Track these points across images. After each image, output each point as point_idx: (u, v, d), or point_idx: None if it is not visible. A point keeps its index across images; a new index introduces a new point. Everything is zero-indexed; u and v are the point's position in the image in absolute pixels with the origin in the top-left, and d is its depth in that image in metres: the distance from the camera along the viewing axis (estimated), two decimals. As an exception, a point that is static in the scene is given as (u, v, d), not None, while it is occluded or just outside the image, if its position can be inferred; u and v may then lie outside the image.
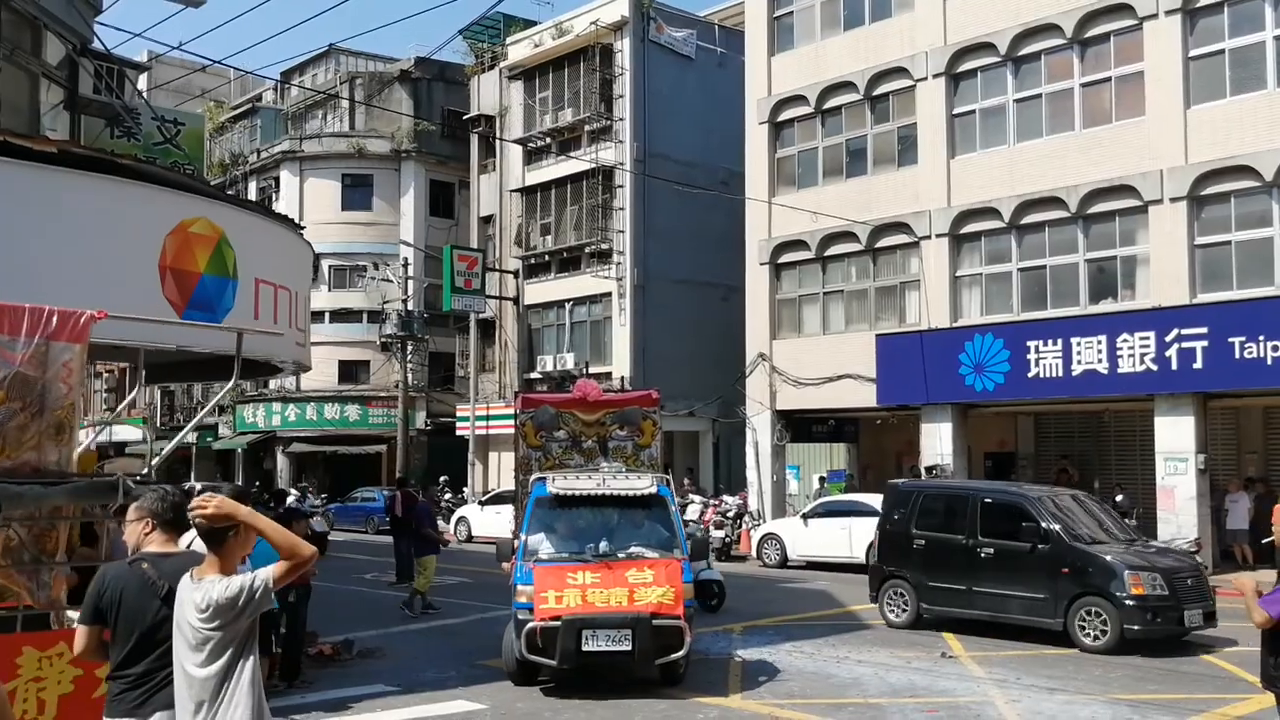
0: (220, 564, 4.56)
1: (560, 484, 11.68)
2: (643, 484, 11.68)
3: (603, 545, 11.25)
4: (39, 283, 9.54)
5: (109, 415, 50.24)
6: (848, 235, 26.30)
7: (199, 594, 4.46)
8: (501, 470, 34.72)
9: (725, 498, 28.39)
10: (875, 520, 21.77)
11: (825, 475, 28.16)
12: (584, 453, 13.32)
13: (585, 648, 10.41)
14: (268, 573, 4.49)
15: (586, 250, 34.07)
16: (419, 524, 17.36)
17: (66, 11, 13.02)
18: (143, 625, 4.77)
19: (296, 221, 13.61)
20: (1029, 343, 22.56)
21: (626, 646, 10.43)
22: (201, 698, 4.47)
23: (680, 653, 10.59)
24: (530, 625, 10.51)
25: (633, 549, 11.28)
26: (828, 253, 26.96)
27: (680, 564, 10.98)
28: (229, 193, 18.91)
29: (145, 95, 16.31)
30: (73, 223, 9.62)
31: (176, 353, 11.88)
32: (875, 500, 22.86)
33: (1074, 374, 21.89)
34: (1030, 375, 22.51)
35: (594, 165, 32.84)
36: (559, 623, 10.41)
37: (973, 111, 24.57)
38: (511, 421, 37.98)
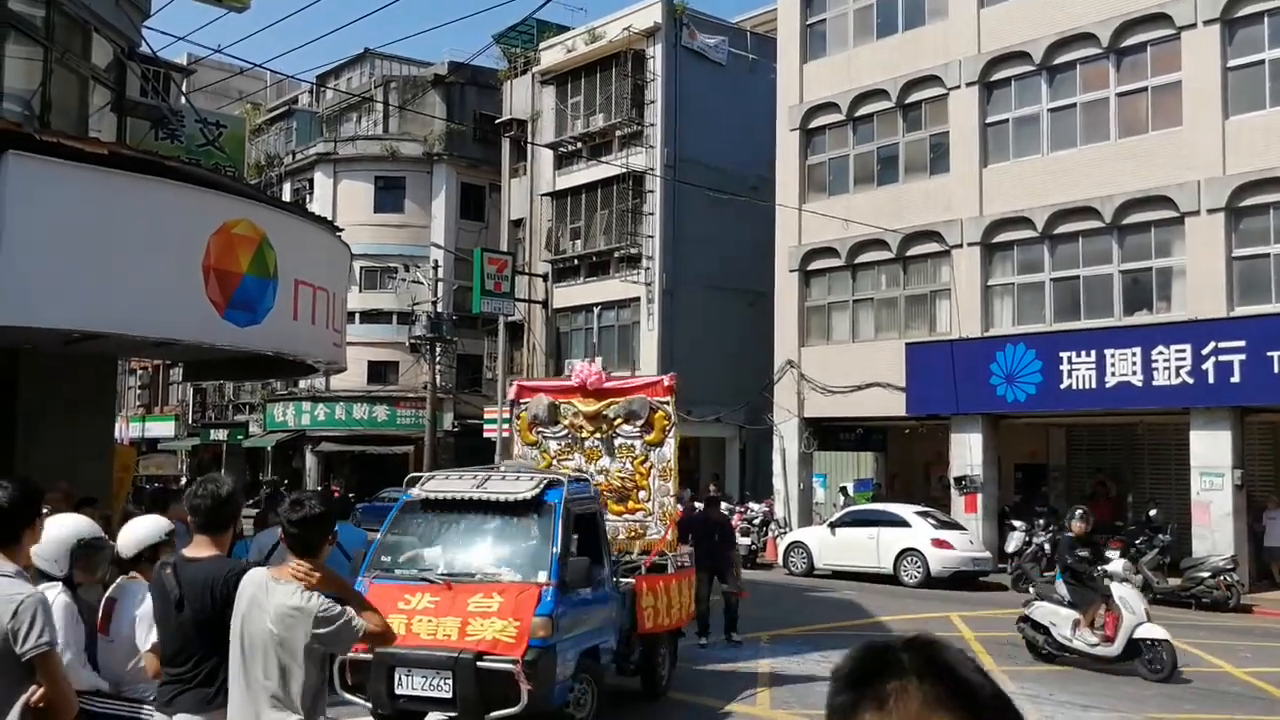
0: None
1: (431, 485, 9.58)
2: (522, 487, 9.23)
3: (456, 562, 9.07)
4: (87, 281, 9.68)
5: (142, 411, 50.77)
6: (878, 243, 26.26)
7: (288, 597, 4.43)
8: (528, 473, 34.77)
9: (751, 505, 28.40)
10: (903, 530, 21.93)
11: (847, 485, 28.12)
12: (585, 452, 11.50)
13: (398, 690, 8.33)
14: (363, 623, 4.52)
15: (616, 255, 34.15)
16: None
17: (115, 15, 13.21)
18: (167, 629, 4.86)
19: (335, 224, 13.73)
20: (1062, 354, 22.45)
21: (446, 694, 8.21)
22: (259, 708, 4.46)
23: (515, 709, 8.06)
24: (341, 658, 8.15)
25: (490, 569, 9.02)
26: (858, 260, 26.94)
27: (539, 591, 8.58)
28: (264, 194, 19.03)
29: (188, 98, 16.49)
30: (121, 223, 9.76)
31: (214, 351, 12.04)
32: (903, 510, 22.88)
33: (1107, 386, 21.76)
34: (1063, 386, 22.39)
35: (624, 170, 32.92)
36: (370, 656, 8.23)
37: (1006, 120, 24.49)
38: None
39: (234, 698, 4.53)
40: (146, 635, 5.21)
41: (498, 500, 9.20)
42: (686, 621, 11.65)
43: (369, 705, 8.53)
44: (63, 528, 5.26)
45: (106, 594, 5.48)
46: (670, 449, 11.35)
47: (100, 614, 5.42)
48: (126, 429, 46.04)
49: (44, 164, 9.32)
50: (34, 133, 9.62)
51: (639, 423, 11.24)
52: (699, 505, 18.17)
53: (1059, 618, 12.87)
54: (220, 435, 47.19)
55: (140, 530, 5.64)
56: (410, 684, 8.28)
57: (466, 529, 9.38)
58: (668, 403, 11.39)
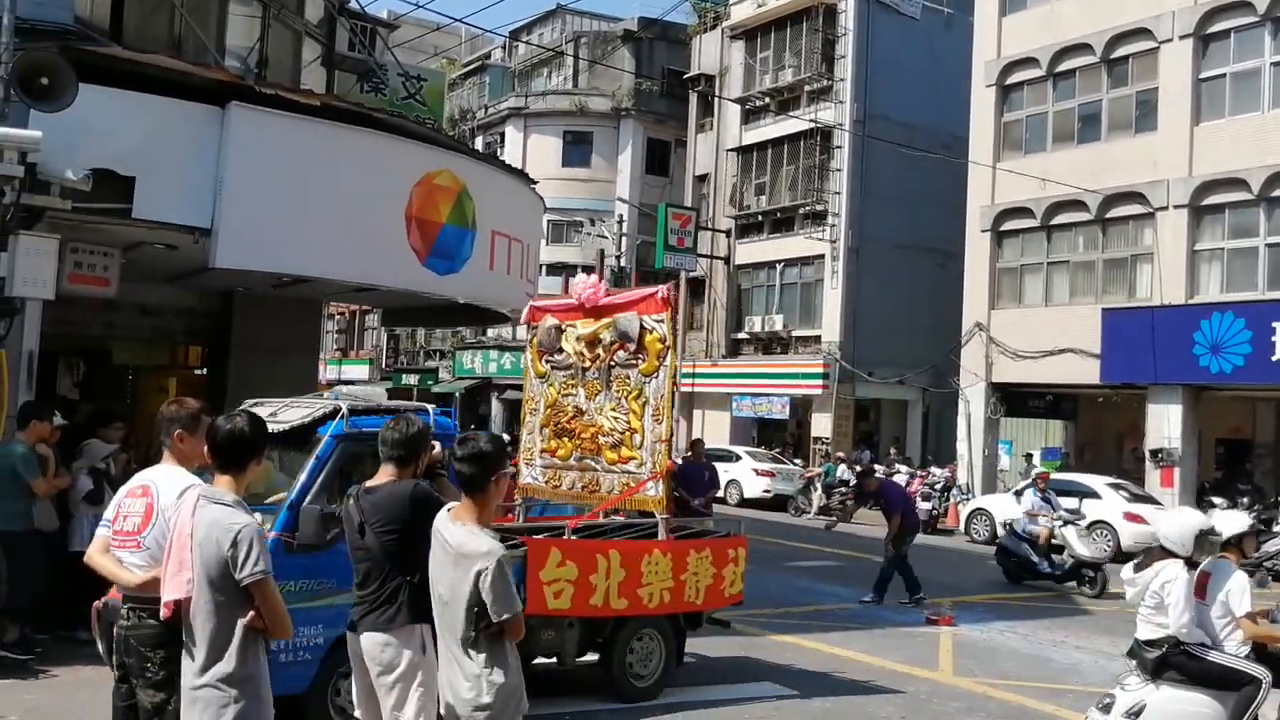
0: (478, 511, 4.59)
1: None
2: (291, 417, 7.39)
3: None
4: (298, 227, 10.17)
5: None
6: (1076, 204, 25.26)
7: (455, 538, 4.51)
8: (705, 427, 35.04)
9: (933, 469, 27.94)
10: (1094, 502, 21.17)
11: (1031, 453, 27.32)
12: (586, 385, 9.18)
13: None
14: (504, 609, 4.38)
15: (800, 211, 33.80)
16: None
17: (327, -29, 13.79)
18: (355, 555, 5.15)
19: (529, 176, 14.02)
20: (1275, 324, 21.18)
21: None
22: (451, 649, 4.56)
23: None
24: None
25: None
26: (1054, 221, 26.00)
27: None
28: (464, 146, 19.55)
29: (392, 52, 17.06)
30: (331, 172, 10.21)
31: (414, 297, 12.51)
32: (1094, 481, 22.09)
33: (1326, 359, 20.48)
34: (1275, 359, 21.13)
35: (812, 125, 32.48)
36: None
37: (1223, 75, 23.16)
38: (717, 380, 37.74)
39: (439, 635, 4.68)
40: (1238, 604, 6.64)
41: (278, 432, 7.10)
42: (709, 606, 9.15)
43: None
44: (1190, 518, 6.87)
45: (1200, 568, 6.71)
46: (665, 380, 8.73)
47: (1195, 584, 6.64)
48: (324, 371, 48.21)
49: (262, 114, 9.83)
50: (254, 85, 10.14)
51: (631, 347, 8.85)
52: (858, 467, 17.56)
53: None
54: (411, 380, 48.93)
55: (1238, 519, 7.25)
56: None
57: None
58: (663, 321, 8.75)
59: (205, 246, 9.65)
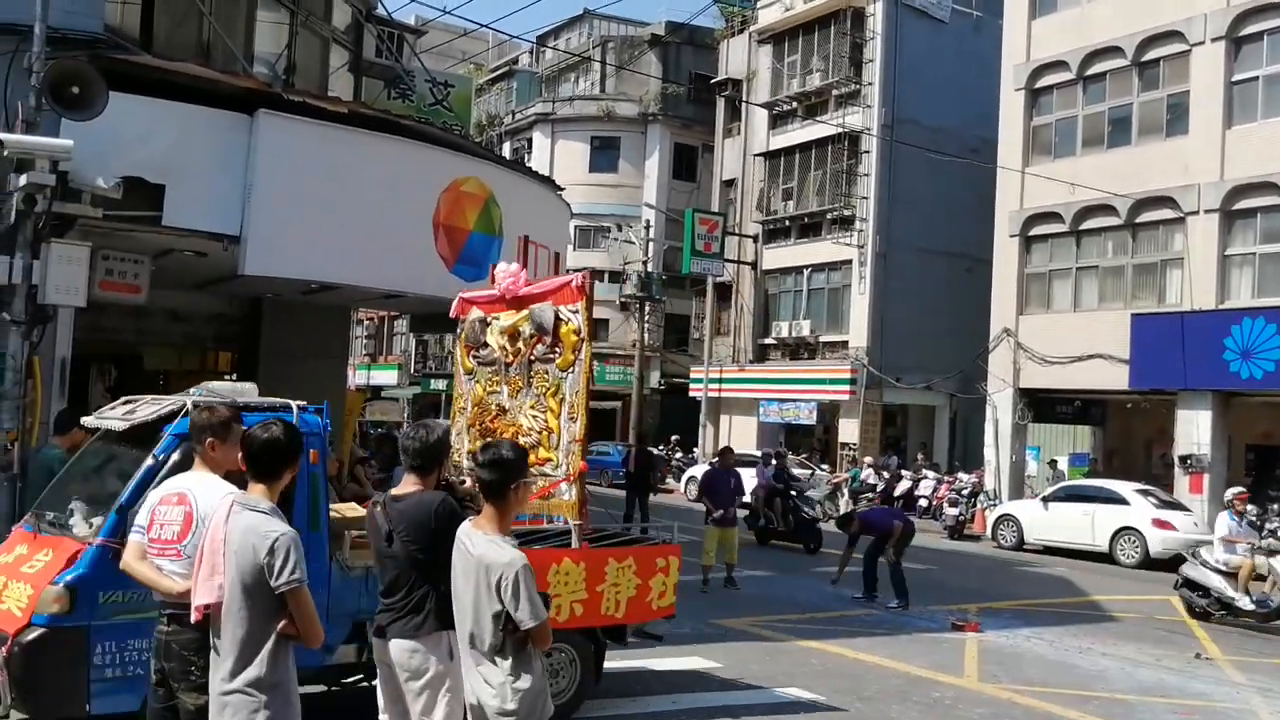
0: (499, 519, 4.62)
1: (99, 415, 7.21)
2: (139, 415, 6.64)
3: (59, 506, 6.85)
4: (326, 234, 10.24)
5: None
6: (1106, 208, 25.09)
7: (477, 547, 4.56)
8: (732, 433, 35.01)
9: (960, 475, 27.82)
10: (1121, 508, 21.03)
11: (1055, 459, 27.15)
12: (509, 381, 8.39)
13: None
14: (528, 618, 4.42)
15: (828, 216, 33.73)
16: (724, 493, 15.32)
17: (355, -21, 13.90)
18: (381, 562, 5.18)
19: (556, 183, 14.08)
20: (1307, 330, 20.98)
21: None
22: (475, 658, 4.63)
23: None
24: None
25: (75, 517, 6.61)
26: (1083, 226, 25.81)
27: (82, 550, 6.11)
28: (491, 153, 19.62)
29: (419, 58, 17.16)
30: (359, 179, 10.28)
31: (442, 304, 12.56)
32: (1122, 487, 21.93)
33: (1357, 365, 20.24)
34: (1306, 364, 20.94)
35: (840, 130, 32.40)
36: None
37: (1255, 78, 22.93)
38: (745, 386, 37.67)
39: (460, 642, 4.73)
40: None
41: (117, 431, 6.70)
42: (634, 620, 8.33)
43: None
44: None
45: None
46: (580, 376, 7.87)
47: None
48: (353, 376, 48.52)
49: (290, 122, 9.92)
50: (282, 92, 10.23)
51: (548, 339, 8.04)
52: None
53: None
54: (440, 385, 49.10)
55: None
56: None
57: (96, 466, 7.07)
58: (578, 311, 7.88)
59: (234, 253, 9.74)
